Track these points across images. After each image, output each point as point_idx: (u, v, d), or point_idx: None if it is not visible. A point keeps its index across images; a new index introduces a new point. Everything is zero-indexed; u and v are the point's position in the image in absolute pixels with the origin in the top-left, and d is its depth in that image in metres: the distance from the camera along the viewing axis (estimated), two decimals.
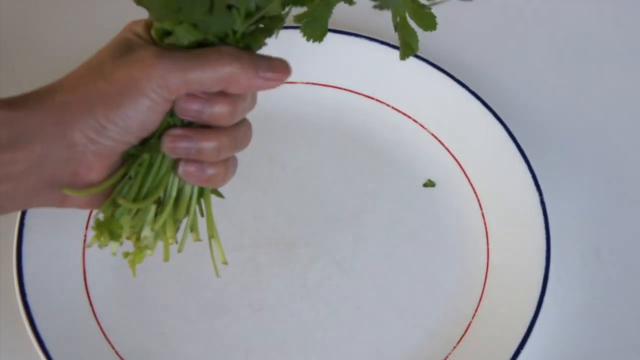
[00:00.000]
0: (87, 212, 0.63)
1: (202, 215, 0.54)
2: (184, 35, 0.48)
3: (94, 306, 0.62)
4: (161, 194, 0.52)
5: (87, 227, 0.64)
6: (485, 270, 0.66)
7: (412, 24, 0.52)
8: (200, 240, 0.54)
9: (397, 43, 0.71)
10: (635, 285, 0.67)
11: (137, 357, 0.61)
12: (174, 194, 0.52)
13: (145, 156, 0.51)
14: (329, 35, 0.71)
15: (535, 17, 0.82)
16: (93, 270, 0.63)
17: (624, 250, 0.68)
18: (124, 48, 0.49)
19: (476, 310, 0.64)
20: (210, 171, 0.52)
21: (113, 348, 0.61)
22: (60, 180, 0.50)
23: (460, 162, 0.70)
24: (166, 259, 0.53)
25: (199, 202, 0.54)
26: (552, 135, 0.74)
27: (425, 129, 0.72)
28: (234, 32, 0.49)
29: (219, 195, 0.55)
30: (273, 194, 0.69)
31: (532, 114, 0.75)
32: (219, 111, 0.50)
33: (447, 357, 0.62)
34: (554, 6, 0.82)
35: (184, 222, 0.54)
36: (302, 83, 0.73)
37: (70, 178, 0.50)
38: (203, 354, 0.62)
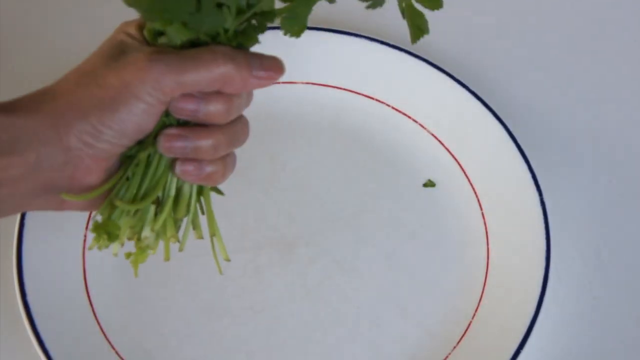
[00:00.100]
0: (86, 212, 0.63)
1: (202, 213, 0.54)
2: (176, 35, 0.48)
3: (94, 306, 0.62)
4: (160, 194, 0.52)
5: (87, 227, 0.64)
6: (485, 270, 0.66)
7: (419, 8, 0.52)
8: (202, 238, 0.54)
9: (397, 43, 0.72)
10: (635, 285, 0.67)
11: (137, 357, 0.61)
12: (172, 193, 0.52)
13: (142, 156, 0.51)
14: (329, 35, 0.72)
15: (535, 17, 0.82)
16: (93, 270, 0.63)
17: (624, 250, 0.68)
18: (116, 50, 0.49)
19: (476, 310, 0.64)
20: (208, 169, 0.51)
21: (113, 348, 0.61)
22: (58, 184, 0.50)
23: (460, 162, 0.70)
24: (167, 258, 0.53)
25: (199, 200, 0.53)
26: (552, 135, 0.74)
27: (425, 129, 0.72)
28: (226, 31, 0.49)
29: (219, 192, 0.55)
30: (273, 194, 0.69)
31: (532, 114, 0.75)
32: (214, 109, 0.50)
33: (447, 357, 0.62)
34: (554, 6, 0.82)
35: (185, 221, 0.54)
36: (302, 83, 0.73)
37: (68, 182, 0.50)
38: (203, 354, 0.62)
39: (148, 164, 0.51)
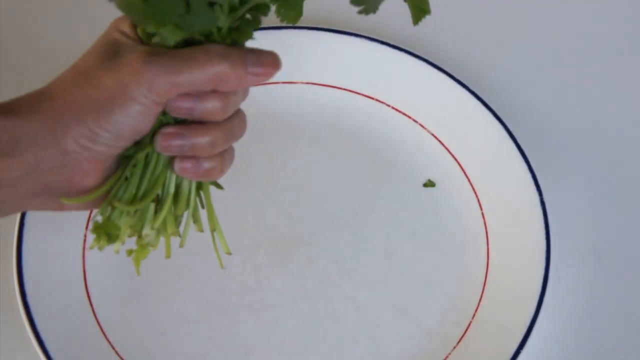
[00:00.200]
0: (87, 211, 0.63)
1: (202, 207, 0.54)
2: (169, 36, 0.48)
3: (94, 306, 0.62)
4: (159, 192, 0.52)
5: (87, 227, 0.64)
6: (485, 270, 0.66)
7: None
8: (202, 231, 0.54)
9: (397, 43, 0.72)
10: (635, 285, 0.67)
11: (137, 357, 0.61)
12: (172, 190, 0.52)
13: (140, 156, 0.51)
14: (329, 35, 0.72)
15: (535, 17, 0.82)
16: (93, 270, 0.63)
17: (624, 250, 0.68)
18: (111, 49, 0.49)
19: (476, 310, 0.64)
20: (206, 165, 0.51)
21: (113, 348, 0.61)
22: (56, 186, 0.50)
23: (460, 162, 0.70)
24: (167, 255, 0.53)
25: (198, 195, 0.53)
26: (552, 135, 0.74)
27: (425, 129, 0.72)
28: (219, 29, 0.49)
29: (219, 186, 0.55)
30: (273, 194, 0.69)
31: (532, 114, 0.75)
32: (211, 107, 0.50)
33: (447, 357, 0.62)
34: (554, 6, 0.82)
35: (185, 215, 0.53)
36: (302, 83, 0.73)
37: (66, 185, 0.50)
38: (203, 354, 0.62)
39: (146, 164, 0.51)
